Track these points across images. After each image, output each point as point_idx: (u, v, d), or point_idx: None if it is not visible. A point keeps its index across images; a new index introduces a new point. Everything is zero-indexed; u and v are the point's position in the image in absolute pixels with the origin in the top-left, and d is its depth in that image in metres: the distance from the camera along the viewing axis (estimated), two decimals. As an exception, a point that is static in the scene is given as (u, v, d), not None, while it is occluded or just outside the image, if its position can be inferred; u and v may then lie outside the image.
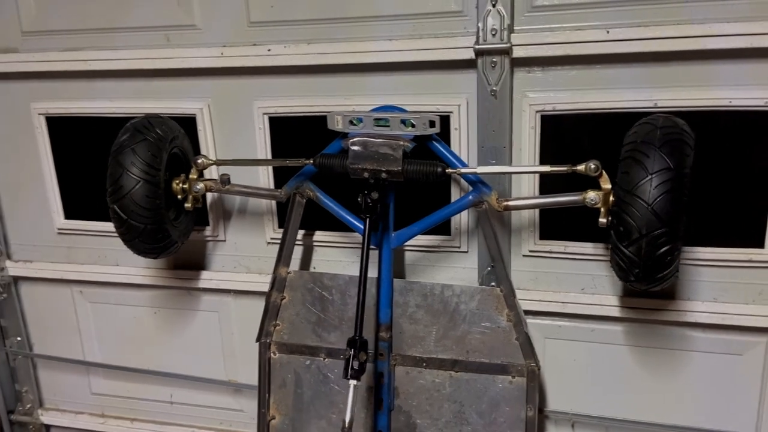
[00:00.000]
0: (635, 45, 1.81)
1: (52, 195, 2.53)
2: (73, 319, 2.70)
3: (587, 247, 2.04)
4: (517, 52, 1.89)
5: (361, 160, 1.84)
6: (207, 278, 2.44)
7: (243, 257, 2.42)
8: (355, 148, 1.85)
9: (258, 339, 2.16)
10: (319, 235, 2.29)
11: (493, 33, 1.88)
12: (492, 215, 1.93)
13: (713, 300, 1.98)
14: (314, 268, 2.33)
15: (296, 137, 2.22)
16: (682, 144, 1.56)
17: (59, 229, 2.57)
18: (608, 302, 2.07)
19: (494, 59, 1.90)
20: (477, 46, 1.89)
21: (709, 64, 1.81)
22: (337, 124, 1.90)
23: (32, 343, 2.80)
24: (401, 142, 1.82)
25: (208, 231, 2.39)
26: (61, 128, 2.46)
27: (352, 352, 1.72)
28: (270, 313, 2.15)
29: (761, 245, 1.90)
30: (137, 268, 2.50)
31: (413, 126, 1.84)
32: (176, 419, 2.70)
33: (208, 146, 2.28)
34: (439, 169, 1.81)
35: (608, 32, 1.82)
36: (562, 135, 2.00)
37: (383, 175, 1.83)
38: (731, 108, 1.81)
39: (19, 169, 2.55)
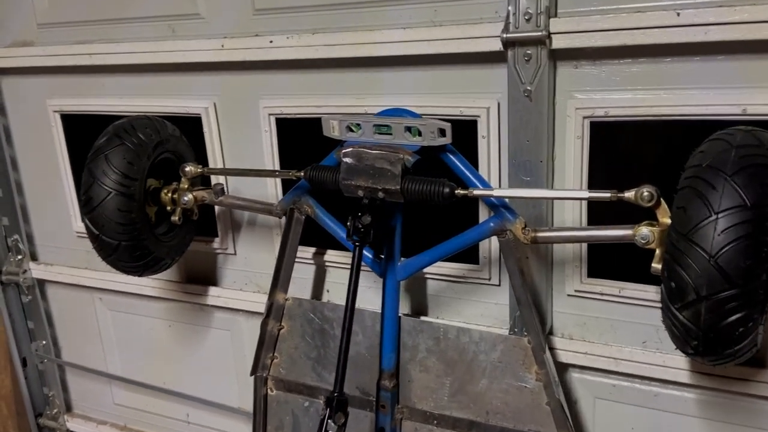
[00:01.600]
0: (716, 32, 1.34)
1: (69, 196, 2.39)
2: (95, 326, 2.58)
3: (649, 291, 1.59)
4: (558, 42, 1.47)
5: (354, 175, 1.51)
6: (216, 294, 2.21)
7: (254, 273, 2.16)
8: (348, 160, 1.52)
9: (253, 372, 1.90)
10: (331, 255, 1.99)
11: (527, 18, 1.47)
12: (516, 248, 1.53)
13: (819, 373, 1.48)
14: (328, 291, 2.03)
15: (305, 142, 1.92)
16: (766, 171, 1.10)
17: (78, 232, 2.44)
18: (675, 363, 1.60)
19: (528, 51, 1.50)
20: (506, 35, 1.49)
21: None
22: (333, 131, 1.58)
23: (60, 347, 2.72)
24: (401, 155, 1.47)
25: (216, 243, 2.16)
26: (75, 126, 2.32)
27: (326, 413, 1.41)
28: (266, 344, 1.87)
29: None
30: (149, 279, 2.31)
31: (420, 135, 1.49)
32: (192, 440, 2.51)
33: (215, 150, 2.04)
34: (447, 189, 1.44)
35: (679, 14, 1.36)
36: (619, 149, 1.57)
37: (380, 194, 1.49)
38: None
39: (40, 168, 2.44)
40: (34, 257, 2.59)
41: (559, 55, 1.52)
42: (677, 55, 1.43)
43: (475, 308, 1.83)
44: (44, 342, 2.66)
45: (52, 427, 2.77)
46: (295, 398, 1.87)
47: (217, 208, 2.10)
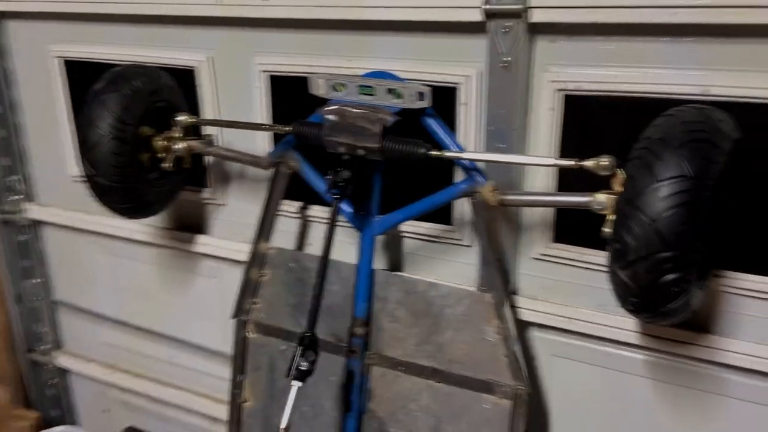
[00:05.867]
0: (683, 14, 1.42)
1: (67, 141, 2.48)
2: (88, 267, 2.68)
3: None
4: (536, 16, 1.55)
5: (336, 132, 1.60)
6: (204, 243, 2.31)
7: (242, 225, 2.25)
8: (331, 117, 1.61)
9: (234, 315, 2.01)
10: (316, 210, 2.08)
11: (508, -10, 1.55)
12: (485, 209, 1.62)
13: (760, 341, 1.59)
14: (310, 244, 2.13)
15: (296, 99, 2.00)
16: (709, 146, 1.20)
17: (73, 176, 2.53)
18: (628, 326, 1.72)
19: (507, 23, 1.57)
20: (487, 6, 1.57)
21: (784, 44, 1.40)
22: (319, 89, 1.67)
23: (53, 287, 2.83)
24: (381, 116, 1.56)
25: (206, 193, 2.25)
26: (77, 72, 2.39)
27: (298, 351, 1.52)
28: (248, 290, 1.98)
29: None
30: (140, 224, 2.41)
31: (400, 97, 1.57)
32: (175, 381, 2.64)
33: (207, 102, 2.12)
34: (422, 150, 1.53)
35: (653, -5, 1.44)
36: (589, 121, 1.65)
37: (360, 151, 1.58)
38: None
39: (40, 111, 2.52)
40: (31, 198, 2.68)
41: (536, 29, 1.60)
42: (647, 35, 1.51)
43: (447, 267, 1.93)
44: (38, 280, 2.77)
45: (42, 362, 2.90)
46: (272, 341, 1.99)
47: (209, 159, 2.19)
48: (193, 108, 2.11)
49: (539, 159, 1.56)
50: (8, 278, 2.74)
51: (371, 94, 1.60)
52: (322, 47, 1.91)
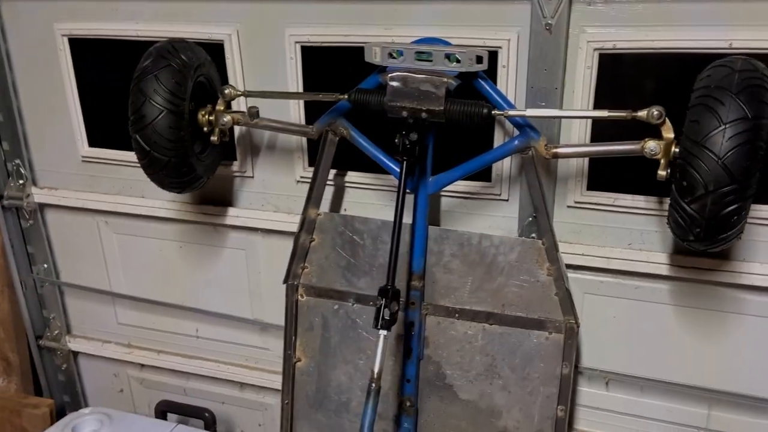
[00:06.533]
0: (714, -23, 1.61)
1: (76, 121, 2.44)
2: (99, 249, 2.66)
3: (639, 201, 1.89)
4: (577, -18, 1.70)
5: (400, 97, 1.70)
6: (234, 215, 2.36)
7: (271, 195, 2.32)
8: (395, 83, 1.70)
9: (285, 281, 2.09)
10: (351, 176, 2.17)
11: (553, -42, 1.68)
12: (538, 163, 1.78)
13: (773, 262, 1.84)
14: (345, 210, 2.23)
15: (330, 70, 2.07)
16: (763, 91, 1.39)
17: (84, 156, 2.49)
18: (656, 259, 1.93)
19: (552, -12, 1.71)
20: (533, -27, 1.70)
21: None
22: (375, 57, 1.75)
23: (59, 271, 2.78)
24: (445, 79, 1.67)
25: (235, 166, 2.29)
26: (85, 51, 2.34)
27: (383, 302, 1.63)
28: (298, 255, 2.06)
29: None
30: (162, 201, 2.42)
31: (458, 61, 1.69)
32: (202, 353, 2.68)
33: (236, 76, 2.15)
34: (485, 110, 1.66)
35: (683, -39, 1.62)
36: (622, 77, 1.83)
37: (423, 114, 1.69)
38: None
39: (44, 93, 2.45)
40: (35, 183, 2.62)
41: (575, -6, 1.75)
42: (674, -3, 1.69)
43: (485, 221, 2.08)
44: (45, 265, 2.72)
45: (53, 348, 2.86)
46: (324, 302, 2.08)
47: (236, 132, 2.23)
48: (223, 82, 2.13)
49: (595, 112, 1.72)
50: (14, 265, 2.68)
51: (429, 60, 1.70)
52: (357, 16, 1.98)
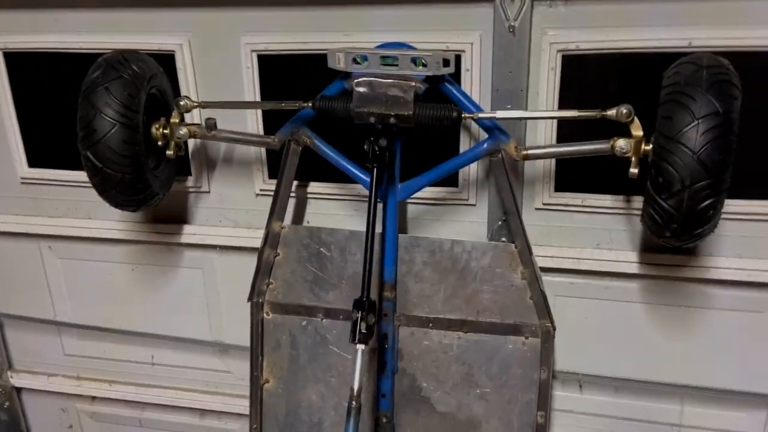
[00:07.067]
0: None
1: (14, 141, 2.28)
2: (42, 276, 2.49)
3: (606, 200, 1.90)
4: (539, -17, 1.70)
5: (367, 103, 1.65)
6: (190, 233, 2.25)
7: (229, 210, 2.22)
8: (361, 89, 1.65)
9: (250, 298, 1.99)
10: (313, 187, 2.11)
11: (515, -40, 1.67)
12: (508, 165, 1.76)
13: (737, 256, 1.87)
14: (308, 222, 2.16)
15: (288, 78, 2.01)
16: (730, 86, 1.41)
17: (23, 178, 2.33)
18: (625, 258, 1.94)
19: (514, -9, 1.70)
20: (496, -25, 1.69)
21: (750, 0, 1.64)
22: (339, 63, 1.70)
23: (-4, 303, 2.60)
24: (413, 83, 1.63)
25: (190, 181, 2.19)
26: (22, 65, 2.19)
27: (360, 315, 1.57)
28: (262, 271, 1.97)
29: (792, 198, 1.78)
30: (111, 221, 2.29)
31: (425, 65, 1.65)
32: (159, 381, 2.54)
33: (189, 87, 2.06)
34: (455, 114, 1.63)
35: (641, -39, 1.64)
36: (585, 78, 1.83)
37: (392, 120, 1.65)
38: (773, 48, 1.66)
39: (-25, 111, 2.29)
40: (-36, 209, 2.44)
41: (537, -4, 1.74)
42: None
43: (453, 227, 2.05)
44: (-20, 298, 2.53)
45: (-6, 386, 2.66)
46: (291, 319, 2.00)
47: (191, 146, 2.13)
48: (175, 94, 2.03)
49: (565, 112, 1.71)
50: (-54, 300, 2.48)
51: (395, 64, 1.66)
52: (316, 23, 1.92)
